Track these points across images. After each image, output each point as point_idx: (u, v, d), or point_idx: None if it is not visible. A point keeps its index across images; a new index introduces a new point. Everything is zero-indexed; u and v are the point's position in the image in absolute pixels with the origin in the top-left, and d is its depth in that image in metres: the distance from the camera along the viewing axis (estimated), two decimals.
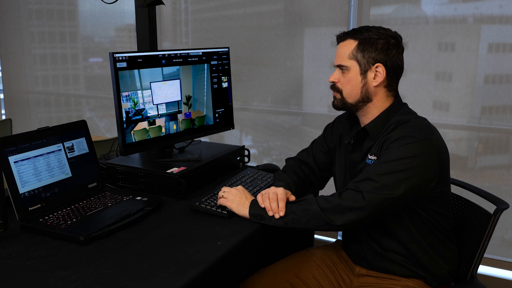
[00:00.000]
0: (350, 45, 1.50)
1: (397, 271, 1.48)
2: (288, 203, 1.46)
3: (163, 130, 1.85)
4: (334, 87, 1.56)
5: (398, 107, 1.52)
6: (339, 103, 1.55)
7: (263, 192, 1.51)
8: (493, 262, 2.56)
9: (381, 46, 1.47)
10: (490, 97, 2.46)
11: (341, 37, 1.54)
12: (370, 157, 1.48)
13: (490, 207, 1.52)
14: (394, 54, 1.49)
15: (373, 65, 1.48)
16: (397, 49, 1.50)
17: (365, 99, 1.51)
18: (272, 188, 1.51)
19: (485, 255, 1.52)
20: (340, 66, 1.53)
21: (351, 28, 2.66)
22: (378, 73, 1.49)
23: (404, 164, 1.36)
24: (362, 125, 1.56)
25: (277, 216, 1.43)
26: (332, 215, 1.38)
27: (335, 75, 1.55)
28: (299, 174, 1.72)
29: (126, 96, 1.69)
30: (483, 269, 2.55)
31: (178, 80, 1.87)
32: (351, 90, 1.51)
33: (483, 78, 2.46)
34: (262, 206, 1.46)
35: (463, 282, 1.52)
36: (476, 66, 2.44)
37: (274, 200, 1.46)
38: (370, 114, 1.53)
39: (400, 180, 1.35)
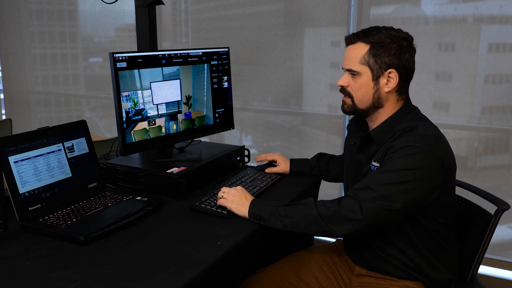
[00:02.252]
0: (361, 49, 1.45)
1: (395, 273, 1.48)
2: (287, 206, 1.45)
3: (163, 130, 1.85)
4: (344, 91, 1.51)
5: (406, 112, 1.48)
6: (350, 108, 1.51)
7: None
8: (493, 262, 2.56)
9: (394, 51, 1.42)
10: (490, 97, 2.46)
11: (351, 40, 1.48)
12: (373, 163, 1.46)
13: (490, 207, 1.52)
14: (407, 57, 1.44)
15: (386, 70, 1.43)
16: (410, 52, 1.45)
17: (376, 105, 1.47)
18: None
19: (485, 255, 1.52)
20: (350, 71, 1.48)
21: (351, 28, 2.69)
22: (390, 78, 1.44)
23: (404, 176, 1.33)
24: (370, 129, 1.54)
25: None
26: (330, 223, 1.36)
27: (344, 79, 1.50)
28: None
29: (126, 96, 1.69)
30: (483, 269, 2.55)
31: (178, 80, 1.87)
32: (362, 96, 1.47)
33: (483, 78, 2.46)
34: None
35: (463, 283, 1.52)
36: (476, 66, 2.44)
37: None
38: (378, 119, 1.50)
39: (399, 192, 1.33)
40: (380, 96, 1.46)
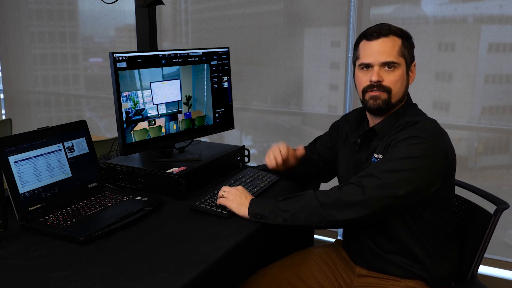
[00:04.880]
0: (395, 41, 1.45)
1: (396, 272, 1.48)
2: (286, 199, 1.44)
3: (163, 130, 1.85)
4: (380, 86, 1.45)
5: (408, 108, 1.51)
6: (384, 104, 1.46)
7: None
8: (493, 262, 2.56)
9: (412, 44, 1.49)
10: (490, 97, 2.46)
11: (385, 32, 1.45)
12: (376, 155, 1.46)
13: (490, 207, 1.52)
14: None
15: (412, 63, 1.49)
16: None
17: (402, 98, 1.49)
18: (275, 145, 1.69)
19: (485, 255, 1.52)
20: (388, 63, 1.44)
21: (351, 28, 2.68)
22: (412, 71, 1.50)
23: (409, 164, 1.34)
24: (372, 125, 1.54)
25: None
26: (332, 210, 1.36)
27: (380, 73, 1.45)
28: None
29: (126, 96, 1.69)
30: (483, 269, 2.55)
31: (178, 80, 1.87)
32: (399, 89, 1.47)
33: (483, 78, 2.46)
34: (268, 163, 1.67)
35: (463, 282, 1.52)
36: (476, 66, 2.44)
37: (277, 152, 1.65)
38: (387, 113, 1.51)
39: (403, 180, 1.33)
40: (407, 89, 1.50)
